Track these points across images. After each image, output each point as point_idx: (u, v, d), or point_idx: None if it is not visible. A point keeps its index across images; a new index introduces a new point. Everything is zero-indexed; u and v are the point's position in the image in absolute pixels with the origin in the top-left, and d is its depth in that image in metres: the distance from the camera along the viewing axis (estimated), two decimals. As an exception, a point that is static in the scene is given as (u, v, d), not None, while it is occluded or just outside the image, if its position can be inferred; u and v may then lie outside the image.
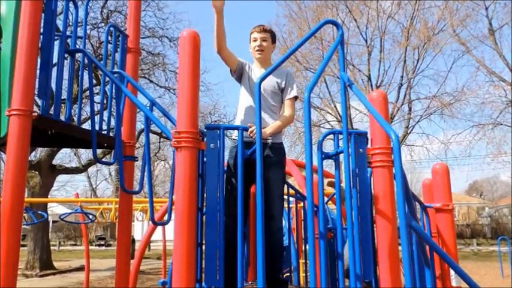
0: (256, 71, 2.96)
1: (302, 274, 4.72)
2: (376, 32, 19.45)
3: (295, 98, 2.94)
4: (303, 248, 3.91)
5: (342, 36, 2.22)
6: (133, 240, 17.18)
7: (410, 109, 19.57)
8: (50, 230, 24.40)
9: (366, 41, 19.64)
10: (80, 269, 14.91)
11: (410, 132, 19.60)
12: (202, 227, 2.29)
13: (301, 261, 4.93)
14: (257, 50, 2.94)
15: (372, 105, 2.17)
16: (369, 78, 19.39)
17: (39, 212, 10.94)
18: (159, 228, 10.51)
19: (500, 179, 50.20)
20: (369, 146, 2.27)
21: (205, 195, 2.28)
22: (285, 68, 3.24)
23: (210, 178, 2.23)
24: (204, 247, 2.25)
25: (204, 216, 2.30)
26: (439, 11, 18.63)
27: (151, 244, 23.41)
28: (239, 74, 2.96)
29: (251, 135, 2.57)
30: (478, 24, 19.41)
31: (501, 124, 17.87)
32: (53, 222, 29.09)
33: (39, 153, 15.32)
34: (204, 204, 2.31)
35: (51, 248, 17.01)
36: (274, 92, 2.90)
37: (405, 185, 2.51)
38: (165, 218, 2.90)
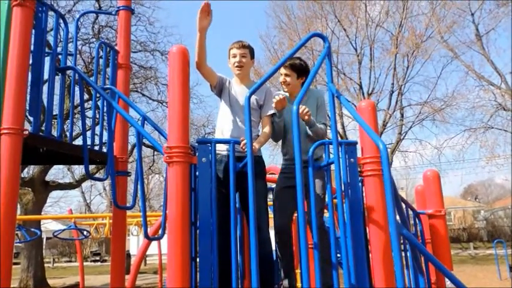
0: (235, 87, 3.02)
1: (299, 285, 4.70)
2: (365, 41, 19.64)
3: (273, 115, 3.05)
4: (299, 258, 3.91)
5: (328, 49, 2.26)
6: (129, 255, 17.01)
7: (402, 115, 19.70)
8: (44, 246, 24.09)
9: (356, 50, 19.82)
10: (75, 286, 14.71)
11: (403, 139, 19.71)
12: (196, 240, 2.30)
13: (297, 271, 4.91)
14: (237, 66, 2.99)
15: (360, 115, 2.20)
16: (360, 86, 19.53)
17: (33, 229, 10.82)
18: (155, 241, 10.43)
19: (494, 181, 50.55)
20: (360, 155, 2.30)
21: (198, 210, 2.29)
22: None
23: (202, 192, 2.24)
24: (198, 261, 2.25)
25: (197, 230, 2.31)
26: (426, 18, 18.88)
27: (147, 258, 23.16)
28: (219, 89, 3.01)
29: (244, 148, 2.58)
30: (465, 30, 19.68)
31: (492, 127, 18.05)
32: (47, 238, 28.72)
33: (31, 169, 15.18)
34: (197, 217, 2.31)
35: (45, 265, 16.78)
36: (253, 108, 2.96)
37: (395, 193, 2.54)
38: (159, 232, 2.90)
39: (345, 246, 2.18)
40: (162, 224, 2.73)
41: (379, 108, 18.87)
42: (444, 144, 19.81)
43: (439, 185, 3.27)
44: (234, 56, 2.99)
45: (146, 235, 2.82)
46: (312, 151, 2.29)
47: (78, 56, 13.32)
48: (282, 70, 3.19)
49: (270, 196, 3.86)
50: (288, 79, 3.16)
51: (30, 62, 2.61)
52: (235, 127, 2.91)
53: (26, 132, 2.38)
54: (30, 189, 14.12)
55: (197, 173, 2.30)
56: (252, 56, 3.08)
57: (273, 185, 4.97)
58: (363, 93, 19.36)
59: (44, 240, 25.75)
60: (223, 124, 2.97)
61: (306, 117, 2.87)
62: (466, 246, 25.29)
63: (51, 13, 2.88)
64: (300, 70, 3.18)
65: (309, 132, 2.99)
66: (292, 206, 2.97)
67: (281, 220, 3.03)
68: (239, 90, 2.99)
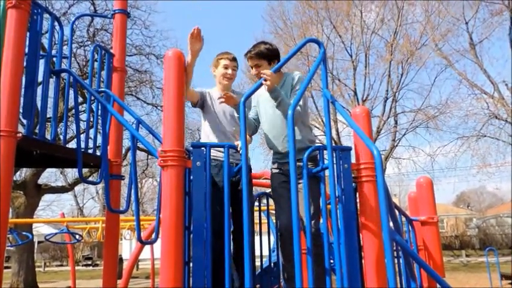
0: (217, 95, 3.07)
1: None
2: (360, 47, 19.76)
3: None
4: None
5: (323, 54, 2.27)
6: (121, 260, 16.87)
7: (396, 122, 19.81)
8: (35, 250, 23.82)
9: (351, 56, 19.93)
10: (66, 290, 14.55)
11: (397, 145, 19.79)
12: (190, 245, 2.29)
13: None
14: (227, 78, 3.10)
15: (355, 121, 2.21)
16: (355, 93, 19.62)
17: (24, 232, 10.70)
18: (148, 246, 10.36)
19: (486, 189, 50.84)
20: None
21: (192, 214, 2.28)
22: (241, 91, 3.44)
23: (196, 196, 2.24)
24: (191, 265, 2.25)
25: (191, 235, 2.30)
26: (421, 26, 19.05)
27: (139, 263, 22.99)
28: (201, 103, 3.10)
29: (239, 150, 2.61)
30: (459, 38, 19.81)
31: (485, 136, 18.18)
32: (39, 242, 28.43)
33: (24, 172, 15.05)
34: (191, 222, 2.30)
35: (37, 269, 16.59)
36: (233, 116, 3.07)
37: (388, 199, 2.54)
38: (153, 236, 2.88)
39: (338, 251, 2.18)
40: (156, 227, 2.72)
41: (373, 115, 18.94)
42: (437, 151, 19.92)
43: (432, 192, 3.29)
44: (226, 67, 3.09)
45: (139, 239, 2.81)
46: (305, 158, 2.30)
47: (72, 59, 13.29)
48: (250, 62, 2.91)
49: (264, 201, 3.86)
50: (262, 69, 2.80)
51: (25, 64, 2.60)
52: (220, 133, 3.03)
53: (20, 135, 2.36)
54: (22, 192, 13.99)
55: (191, 177, 2.29)
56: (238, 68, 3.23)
57: (267, 190, 4.97)
58: (358, 100, 19.45)
59: (36, 244, 25.48)
60: (208, 132, 3.07)
61: (268, 82, 2.55)
62: (458, 253, 25.37)
63: (46, 15, 2.87)
64: (269, 55, 2.87)
65: (278, 110, 2.70)
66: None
67: (285, 219, 2.72)
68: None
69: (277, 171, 2.89)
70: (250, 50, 2.92)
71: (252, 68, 2.92)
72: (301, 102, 2.68)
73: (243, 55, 3.03)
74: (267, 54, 2.86)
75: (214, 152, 2.84)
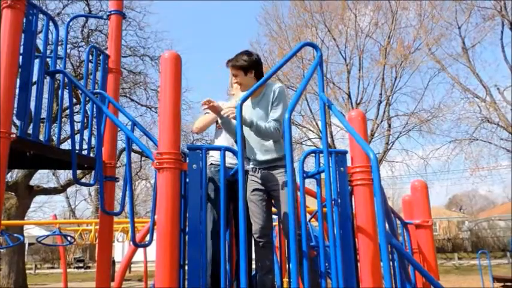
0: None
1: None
2: (354, 51, 19.86)
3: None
4: (287, 267, 3.90)
5: (320, 58, 2.28)
6: (114, 262, 16.76)
7: (389, 126, 19.90)
8: (26, 252, 23.59)
9: (345, 60, 20.01)
10: (58, 293, 14.42)
11: (390, 149, 19.88)
12: (185, 248, 2.28)
13: (285, 280, 4.90)
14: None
15: (350, 124, 2.21)
16: (349, 96, 19.70)
17: (15, 234, 10.58)
18: (141, 248, 10.30)
19: (479, 192, 51.24)
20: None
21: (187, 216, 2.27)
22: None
23: (192, 199, 2.23)
24: (186, 268, 2.24)
25: (186, 237, 2.29)
26: (414, 30, 19.21)
27: (132, 265, 22.84)
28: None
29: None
30: (451, 42, 19.96)
31: (477, 139, 18.35)
32: (29, 244, 28.15)
33: (15, 173, 14.91)
34: (187, 224, 2.30)
35: (27, 271, 16.44)
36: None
37: (384, 202, 2.55)
38: (147, 239, 2.86)
39: (334, 255, 2.18)
40: (151, 230, 2.70)
41: (367, 118, 19.00)
42: (430, 154, 20.05)
43: (426, 195, 3.30)
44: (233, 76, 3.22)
45: (134, 241, 2.79)
46: (302, 161, 2.29)
47: (66, 59, 13.21)
48: (231, 71, 3.02)
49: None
50: (238, 79, 2.97)
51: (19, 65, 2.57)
52: (225, 140, 3.15)
53: (13, 136, 2.34)
54: (13, 193, 13.85)
55: (187, 180, 2.28)
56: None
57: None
58: (352, 103, 19.52)
59: (27, 246, 25.23)
60: (213, 138, 3.26)
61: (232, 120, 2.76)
62: (450, 256, 25.54)
63: (40, 16, 2.85)
64: (244, 67, 2.93)
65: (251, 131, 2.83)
66: (265, 209, 2.86)
67: (255, 226, 2.85)
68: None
69: (252, 178, 2.93)
70: (230, 60, 3.03)
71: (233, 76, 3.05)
72: (278, 114, 2.82)
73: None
74: (242, 66, 2.94)
75: (216, 157, 2.85)
